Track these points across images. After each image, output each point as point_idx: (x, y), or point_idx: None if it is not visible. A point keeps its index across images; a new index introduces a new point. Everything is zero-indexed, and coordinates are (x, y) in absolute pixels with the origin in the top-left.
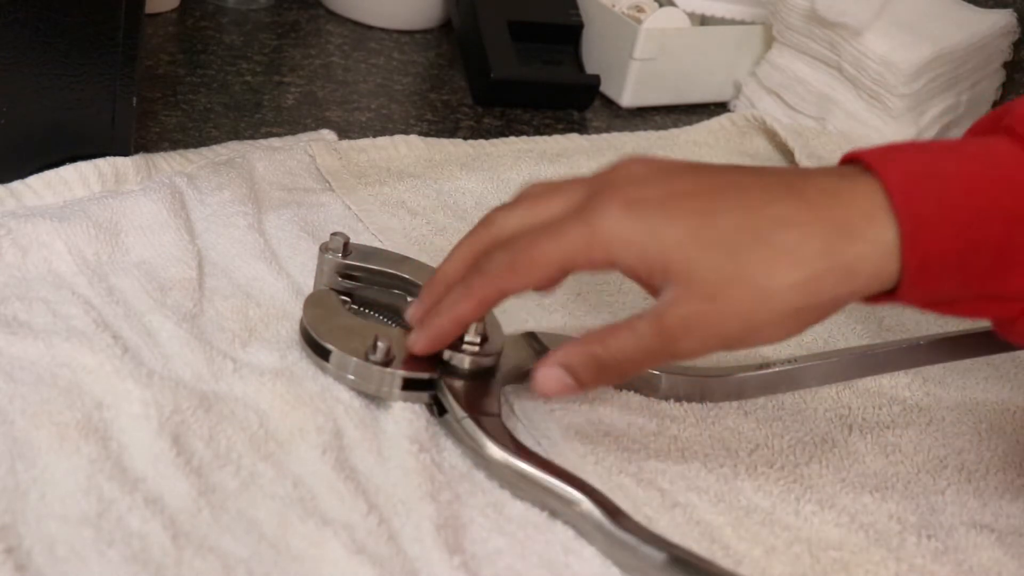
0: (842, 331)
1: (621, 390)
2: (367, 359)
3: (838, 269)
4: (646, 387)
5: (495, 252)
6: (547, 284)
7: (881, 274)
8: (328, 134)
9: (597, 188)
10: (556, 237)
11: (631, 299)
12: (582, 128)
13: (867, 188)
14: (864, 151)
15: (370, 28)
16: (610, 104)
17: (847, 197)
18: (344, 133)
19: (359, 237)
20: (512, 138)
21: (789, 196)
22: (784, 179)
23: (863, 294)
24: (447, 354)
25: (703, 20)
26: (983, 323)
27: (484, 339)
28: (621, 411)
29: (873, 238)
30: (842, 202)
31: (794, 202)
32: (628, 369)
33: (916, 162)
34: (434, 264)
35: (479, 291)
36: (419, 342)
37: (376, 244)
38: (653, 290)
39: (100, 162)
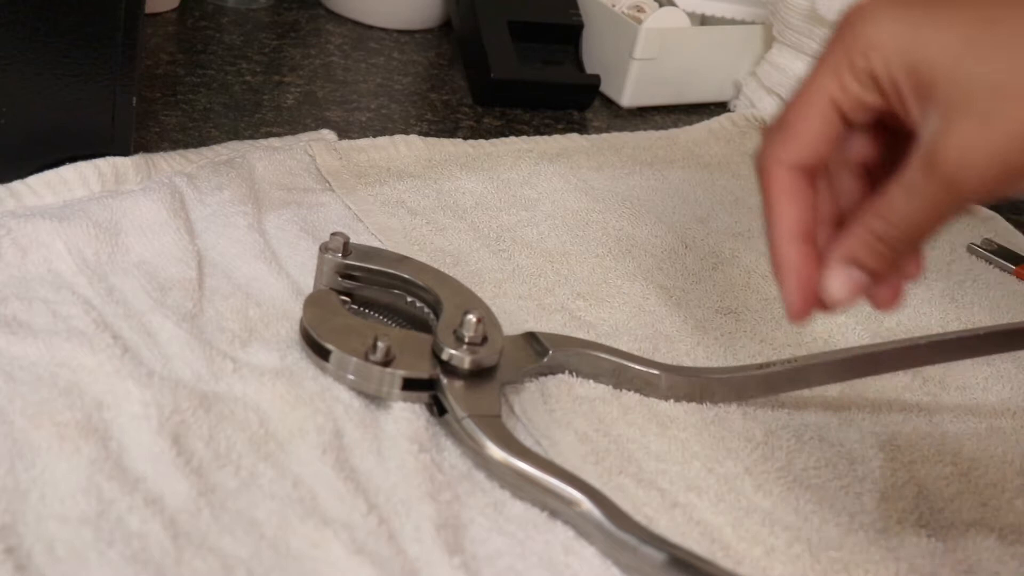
0: (842, 331)
1: (621, 390)
2: (367, 359)
3: None
4: (646, 387)
5: None
6: (826, 139)
7: None
8: (328, 134)
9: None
10: (815, 67)
11: (632, 299)
12: (582, 128)
13: None
14: None
15: (370, 28)
16: (610, 104)
17: None
18: (344, 133)
19: (359, 237)
20: (512, 138)
21: None
22: None
23: None
24: (447, 354)
25: (703, 20)
26: (984, 323)
27: (484, 339)
28: (621, 411)
29: None
30: None
31: None
32: (916, 236)
33: None
34: (434, 264)
35: (762, 177)
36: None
37: (376, 244)
38: (910, 122)
39: (100, 162)
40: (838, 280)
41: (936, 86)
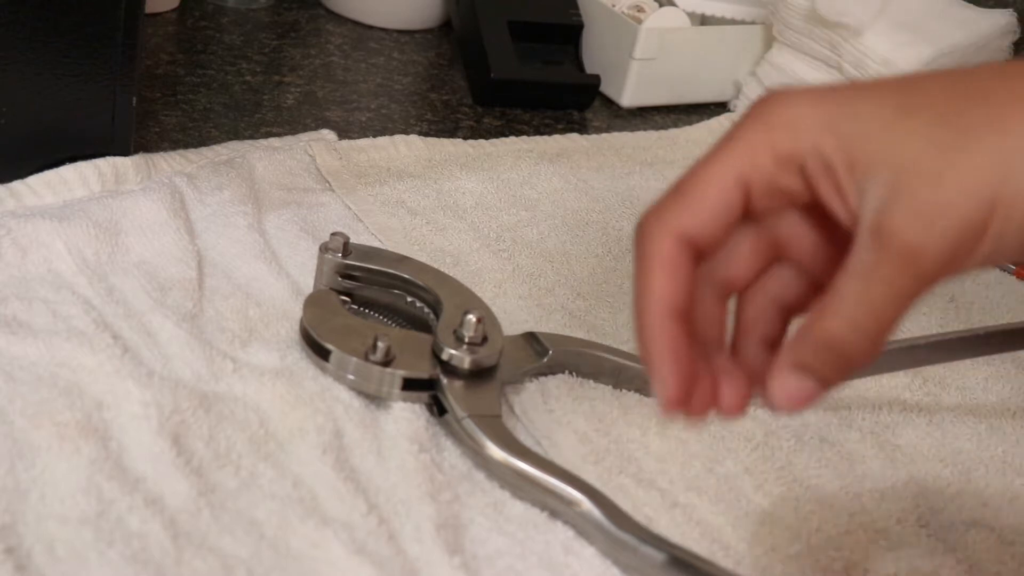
0: None
1: (621, 390)
2: (367, 359)
3: None
4: (646, 387)
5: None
6: (723, 215)
7: None
8: (328, 134)
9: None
10: (725, 140)
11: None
12: (582, 128)
13: None
14: None
15: (370, 28)
16: (610, 104)
17: None
18: (344, 133)
19: (359, 237)
20: (512, 138)
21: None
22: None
23: None
24: (447, 354)
25: (703, 20)
26: (984, 323)
27: (484, 339)
28: (621, 411)
29: None
30: None
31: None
32: (878, 331)
33: None
34: (434, 264)
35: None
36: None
37: (376, 244)
38: (842, 204)
39: (100, 162)
40: (786, 388)
41: (874, 155)
